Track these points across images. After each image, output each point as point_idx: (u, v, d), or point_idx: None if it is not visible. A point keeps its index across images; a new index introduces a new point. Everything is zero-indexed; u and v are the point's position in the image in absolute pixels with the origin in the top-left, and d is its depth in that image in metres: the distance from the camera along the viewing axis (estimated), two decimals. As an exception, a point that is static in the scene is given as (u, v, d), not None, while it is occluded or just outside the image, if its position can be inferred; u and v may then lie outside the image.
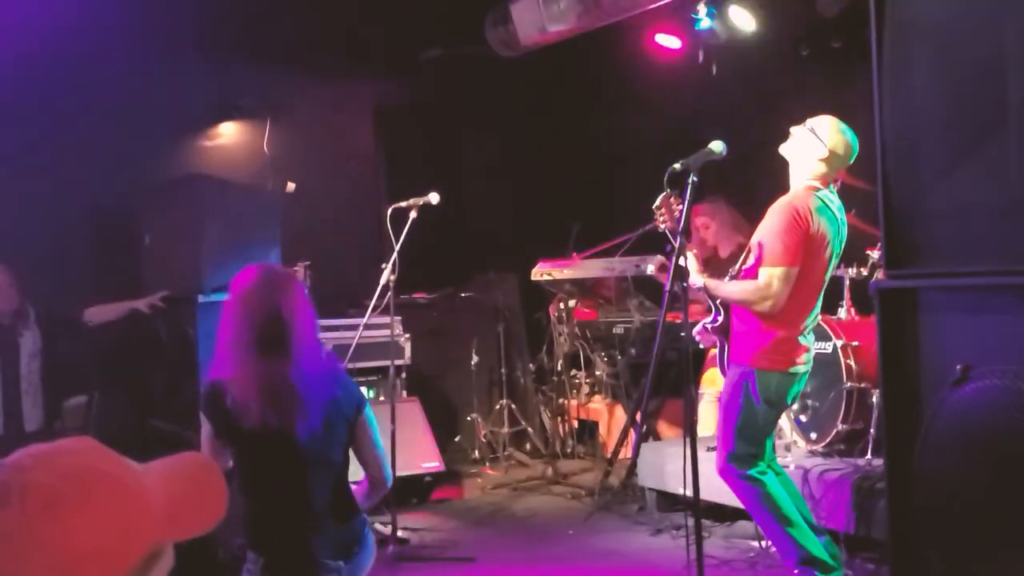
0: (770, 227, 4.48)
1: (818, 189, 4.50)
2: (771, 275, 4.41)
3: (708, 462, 5.46)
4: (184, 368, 6.91)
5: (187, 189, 7.01)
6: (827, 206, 4.46)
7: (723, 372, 4.79)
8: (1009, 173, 2.28)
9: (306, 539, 3.15)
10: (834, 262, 4.53)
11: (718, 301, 4.66)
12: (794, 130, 4.57)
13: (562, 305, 7.63)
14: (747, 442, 4.59)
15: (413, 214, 5.54)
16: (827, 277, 4.54)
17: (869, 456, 5.33)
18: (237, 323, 3.18)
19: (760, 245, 4.49)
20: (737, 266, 4.67)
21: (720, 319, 4.66)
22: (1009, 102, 2.27)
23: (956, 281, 2.37)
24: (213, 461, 1.44)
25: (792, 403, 4.82)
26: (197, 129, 7.98)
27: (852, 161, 4.50)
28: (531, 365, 8.41)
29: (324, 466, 3.19)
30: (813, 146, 4.48)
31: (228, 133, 8.11)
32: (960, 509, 2.33)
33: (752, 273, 4.53)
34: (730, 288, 4.58)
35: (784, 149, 4.60)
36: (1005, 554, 2.27)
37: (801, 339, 4.50)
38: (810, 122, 4.52)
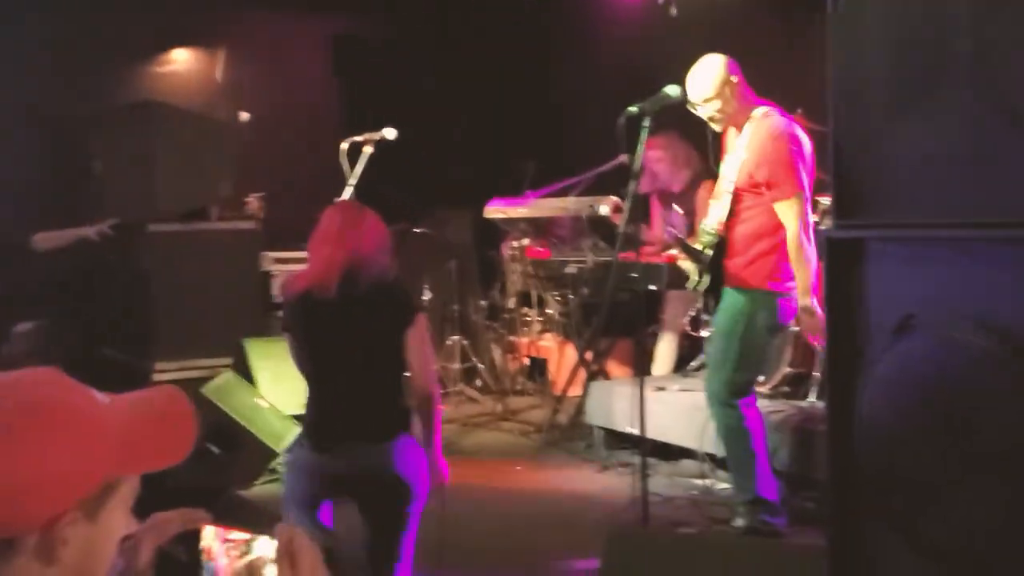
0: (761, 162, 4.50)
1: (770, 111, 4.56)
2: (790, 209, 4.45)
3: (655, 401, 5.58)
4: (136, 297, 6.88)
5: (139, 115, 6.93)
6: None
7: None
8: (954, 125, 2.32)
9: (358, 419, 3.46)
10: None
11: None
12: (697, 101, 4.58)
13: (515, 243, 7.65)
14: (748, 368, 4.65)
15: (369, 149, 5.50)
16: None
17: (812, 399, 5.44)
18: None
19: (763, 181, 4.50)
20: (724, 214, 4.62)
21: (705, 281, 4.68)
22: (957, 54, 2.30)
23: (901, 232, 2.42)
24: (185, 397, 1.46)
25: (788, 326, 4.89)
26: (149, 55, 7.85)
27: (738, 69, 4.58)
28: (483, 302, 8.44)
29: (382, 358, 3.48)
30: (721, 85, 4.52)
31: (181, 60, 7.99)
32: (897, 454, 2.40)
33: (755, 206, 4.55)
34: (805, 270, 4.46)
35: (711, 115, 4.61)
36: (942, 497, 2.35)
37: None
38: (693, 94, 4.56)
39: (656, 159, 6.62)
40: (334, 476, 3.48)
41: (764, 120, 4.55)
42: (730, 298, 4.65)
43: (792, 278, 4.54)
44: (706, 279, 4.69)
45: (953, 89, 2.32)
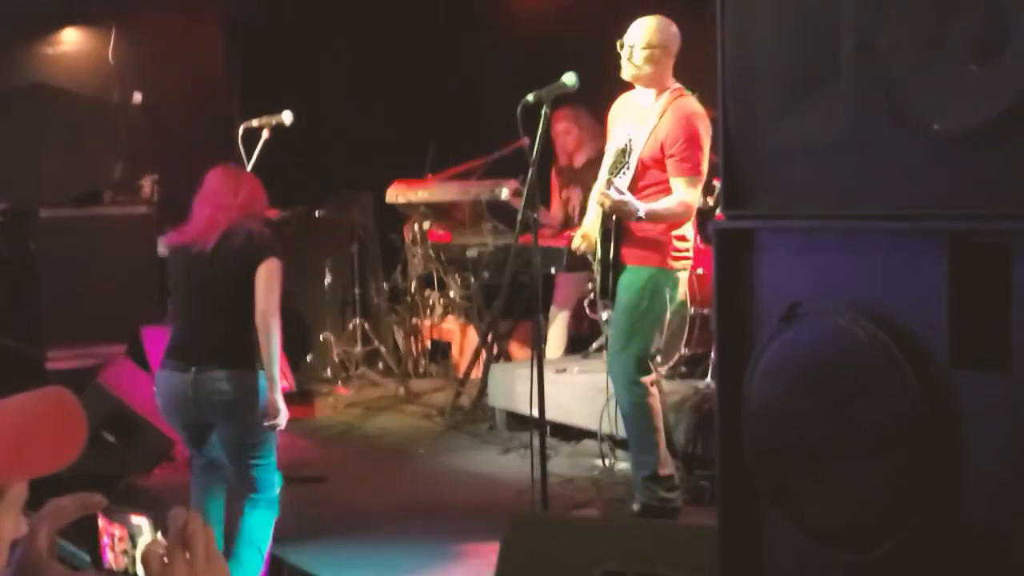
0: (681, 136, 4.52)
1: (682, 89, 4.62)
2: (690, 186, 4.52)
3: (555, 383, 5.65)
4: (27, 283, 6.72)
5: (26, 99, 6.76)
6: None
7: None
8: (840, 117, 2.40)
9: (209, 348, 4.10)
10: None
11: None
12: (635, 44, 4.58)
13: (417, 226, 7.64)
14: (651, 345, 4.70)
15: (265, 134, 5.45)
16: None
17: (709, 380, 5.56)
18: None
19: (669, 153, 4.53)
20: (627, 173, 4.56)
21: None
22: (843, 47, 2.37)
23: (788, 223, 2.49)
24: (73, 398, 1.43)
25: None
26: (37, 35, 7.62)
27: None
28: (385, 285, 8.41)
29: (236, 295, 4.09)
30: (664, 42, 4.58)
31: (71, 40, 7.77)
32: (783, 437, 2.48)
33: (660, 182, 4.58)
34: (667, 209, 4.54)
35: (635, 63, 4.60)
36: (824, 477, 2.44)
37: (694, 239, 4.69)
38: (635, 35, 4.59)
39: (564, 131, 6.66)
40: (186, 397, 4.08)
41: (685, 98, 4.60)
42: (631, 275, 4.66)
43: (695, 258, 4.67)
44: (611, 251, 4.64)
45: (839, 82, 2.40)
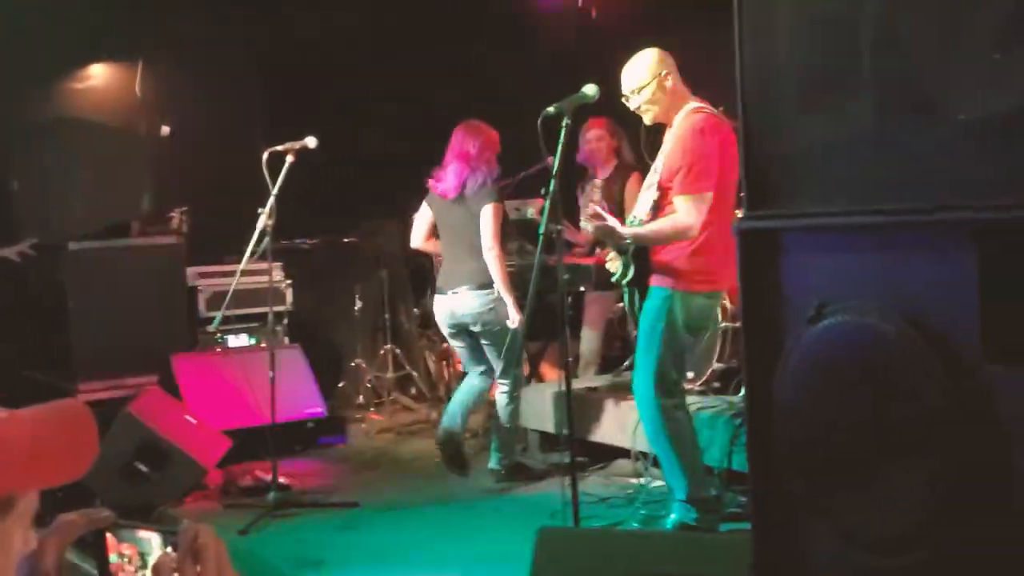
0: (679, 154, 4.48)
1: (702, 107, 4.56)
2: (687, 204, 4.44)
3: (585, 403, 5.59)
4: (58, 317, 6.76)
5: (55, 132, 6.82)
6: (722, 119, 4.53)
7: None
8: (863, 114, 2.35)
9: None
10: None
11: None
12: (629, 91, 4.61)
13: (445, 250, 7.62)
14: (671, 368, 4.61)
15: (290, 158, 5.46)
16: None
17: (742, 393, 5.47)
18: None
19: (672, 173, 4.49)
20: (650, 205, 4.59)
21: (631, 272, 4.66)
22: (862, 37, 2.33)
23: (813, 221, 2.44)
24: (87, 410, 1.42)
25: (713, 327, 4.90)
26: (66, 71, 7.70)
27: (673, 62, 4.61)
28: (415, 310, 8.40)
29: (472, 231, 5.68)
30: (650, 78, 4.54)
31: (98, 75, 7.85)
32: (816, 441, 2.42)
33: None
34: (658, 230, 4.53)
35: (642, 106, 4.61)
36: (860, 482, 2.37)
37: (719, 260, 4.48)
38: (625, 85, 4.59)
39: (597, 137, 6.64)
40: (452, 313, 5.87)
41: (692, 115, 4.54)
42: (653, 296, 4.61)
43: (718, 279, 4.56)
44: (631, 272, 4.63)
45: (861, 75, 2.35)
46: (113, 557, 1.47)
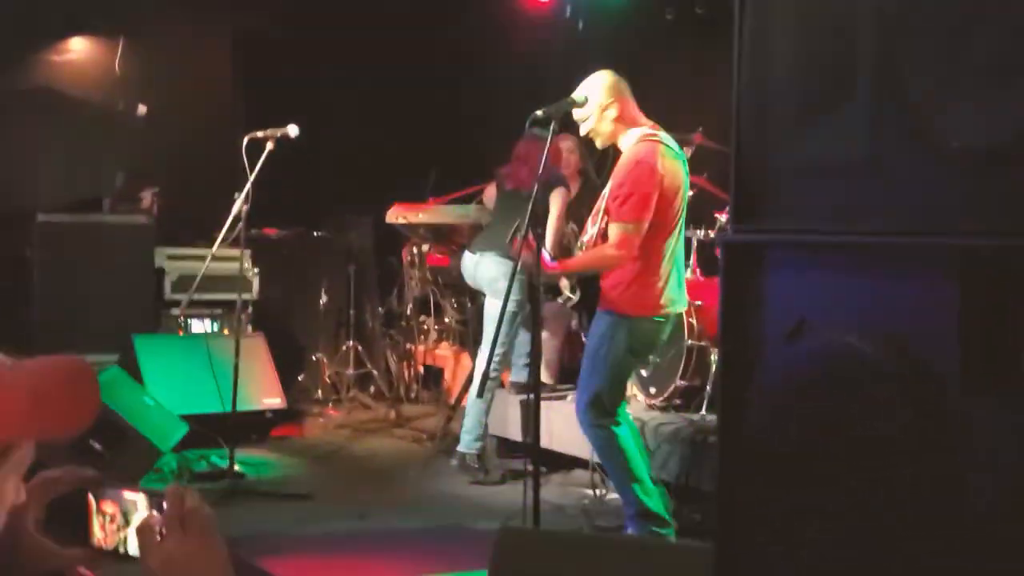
0: (618, 182, 4.49)
1: (653, 134, 4.57)
2: (618, 232, 4.45)
3: (550, 411, 5.59)
4: (20, 288, 6.68)
5: (30, 102, 6.74)
6: (670, 147, 4.53)
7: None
8: (854, 132, 2.37)
9: None
10: (686, 202, 4.61)
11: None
12: (576, 119, 4.59)
13: (415, 249, 7.62)
14: (611, 389, 4.63)
15: (270, 145, 5.42)
16: (682, 220, 4.60)
17: (704, 412, 5.51)
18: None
19: (613, 199, 4.50)
20: (596, 231, 4.58)
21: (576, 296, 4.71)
22: (858, 65, 2.35)
23: (800, 238, 2.45)
24: (89, 366, 1.42)
25: (656, 352, 4.92)
26: (45, 42, 7.62)
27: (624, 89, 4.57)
28: (380, 308, 8.38)
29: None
30: (595, 104, 4.51)
31: (79, 49, 7.78)
32: (787, 455, 2.43)
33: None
34: (585, 262, 4.60)
35: (588, 134, 4.61)
36: (828, 505, 2.38)
37: (664, 285, 4.52)
38: (577, 92, 4.55)
39: (569, 149, 6.63)
40: None
41: (638, 144, 4.52)
42: (598, 321, 4.64)
43: (665, 304, 4.56)
44: (577, 294, 4.71)
45: (856, 97, 2.37)
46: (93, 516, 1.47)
